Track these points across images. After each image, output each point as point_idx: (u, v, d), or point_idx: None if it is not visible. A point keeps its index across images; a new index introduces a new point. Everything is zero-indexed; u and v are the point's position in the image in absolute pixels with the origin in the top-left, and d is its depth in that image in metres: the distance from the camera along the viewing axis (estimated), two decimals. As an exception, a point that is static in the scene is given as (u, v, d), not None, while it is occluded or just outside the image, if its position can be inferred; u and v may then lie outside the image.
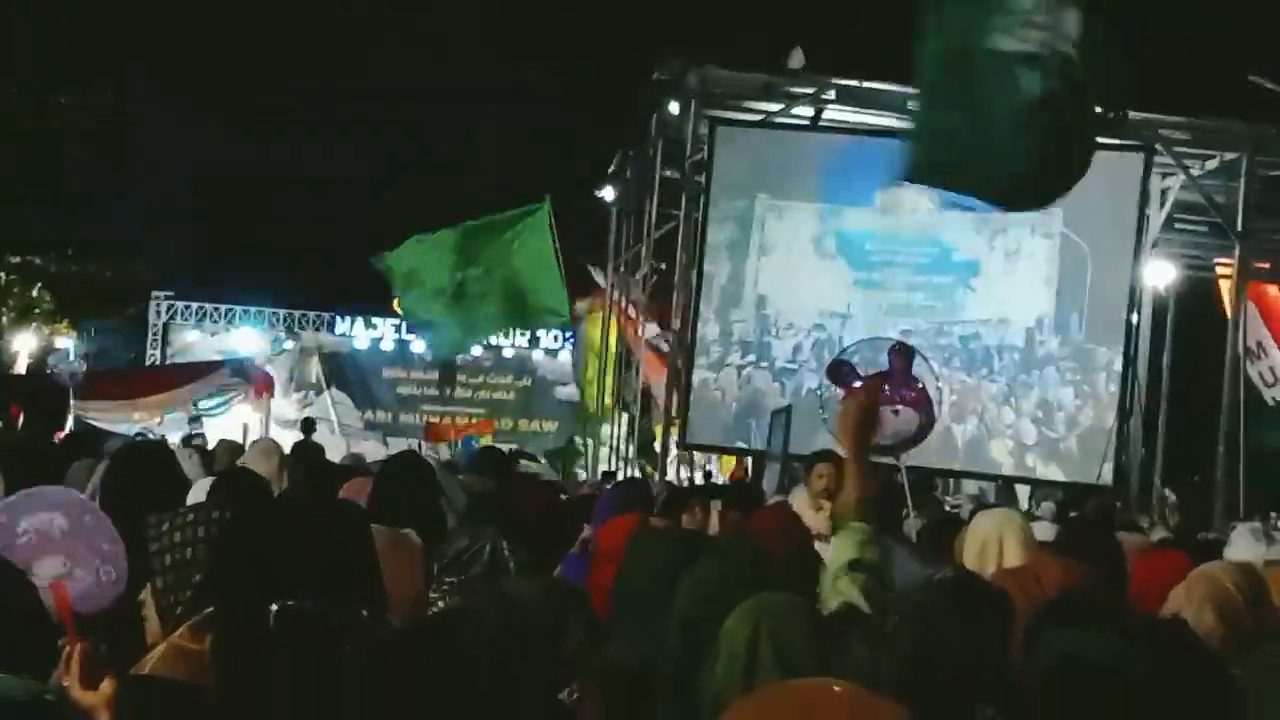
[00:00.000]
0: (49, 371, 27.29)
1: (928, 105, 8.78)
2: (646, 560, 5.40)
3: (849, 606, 4.87)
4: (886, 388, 10.61)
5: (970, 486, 22.05)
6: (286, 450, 11.97)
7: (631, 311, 25.17)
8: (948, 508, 15.38)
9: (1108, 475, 19.49)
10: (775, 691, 2.64)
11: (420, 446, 27.40)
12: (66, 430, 24.65)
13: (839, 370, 10.81)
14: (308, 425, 25.66)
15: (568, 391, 37.50)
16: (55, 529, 5.11)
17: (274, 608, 2.88)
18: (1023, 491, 21.32)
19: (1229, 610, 5.94)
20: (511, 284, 18.28)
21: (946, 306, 19.75)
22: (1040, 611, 4.90)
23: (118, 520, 5.58)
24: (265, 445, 10.59)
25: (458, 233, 18.39)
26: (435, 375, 39.71)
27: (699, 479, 22.50)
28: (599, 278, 26.47)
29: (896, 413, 10.52)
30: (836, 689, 2.52)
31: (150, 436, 20.69)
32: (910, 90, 20.74)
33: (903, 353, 10.84)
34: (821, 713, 2.39)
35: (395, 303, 20.70)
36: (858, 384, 10.65)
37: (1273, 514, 17.67)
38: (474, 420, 37.23)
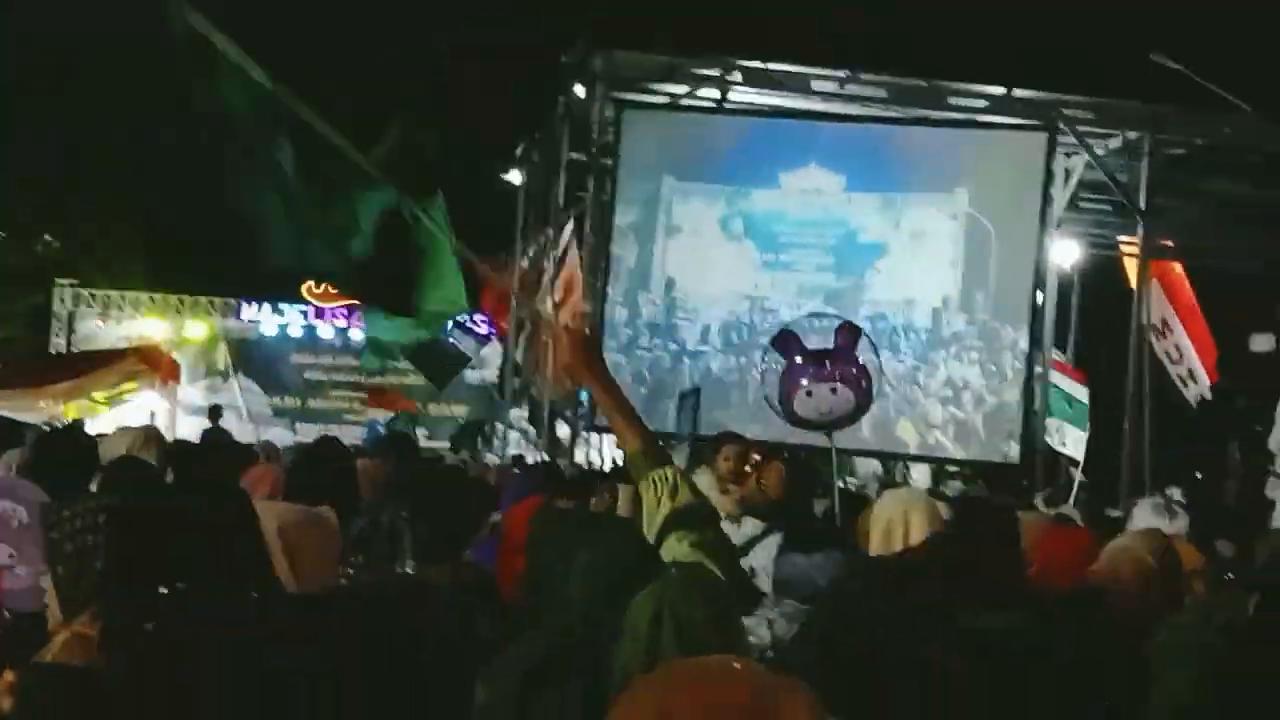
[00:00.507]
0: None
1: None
2: (548, 542, 5.39)
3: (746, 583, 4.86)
4: (828, 364, 10.61)
5: (872, 465, 22.16)
6: (195, 436, 11.93)
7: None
8: (851, 488, 15.47)
9: (1014, 454, 19.65)
10: (675, 668, 2.64)
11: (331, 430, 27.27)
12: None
13: (785, 341, 10.80)
14: (214, 412, 25.51)
15: (476, 375, 37.41)
16: (14, 520, 5.09)
17: (162, 591, 2.86)
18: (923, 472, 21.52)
19: (1144, 581, 6.03)
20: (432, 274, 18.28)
21: (853, 287, 19.85)
22: (940, 589, 4.93)
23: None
24: (150, 432, 10.49)
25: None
26: (344, 360, 39.55)
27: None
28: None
29: (834, 390, 10.51)
30: (737, 665, 2.52)
31: (58, 426, 20.47)
32: (817, 71, 21.00)
33: (850, 331, 10.84)
34: (721, 688, 2.40)
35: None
36: (799, 358, 10.65)
37: (1172, 488, 17.81)
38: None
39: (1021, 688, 3.62)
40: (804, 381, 10.58)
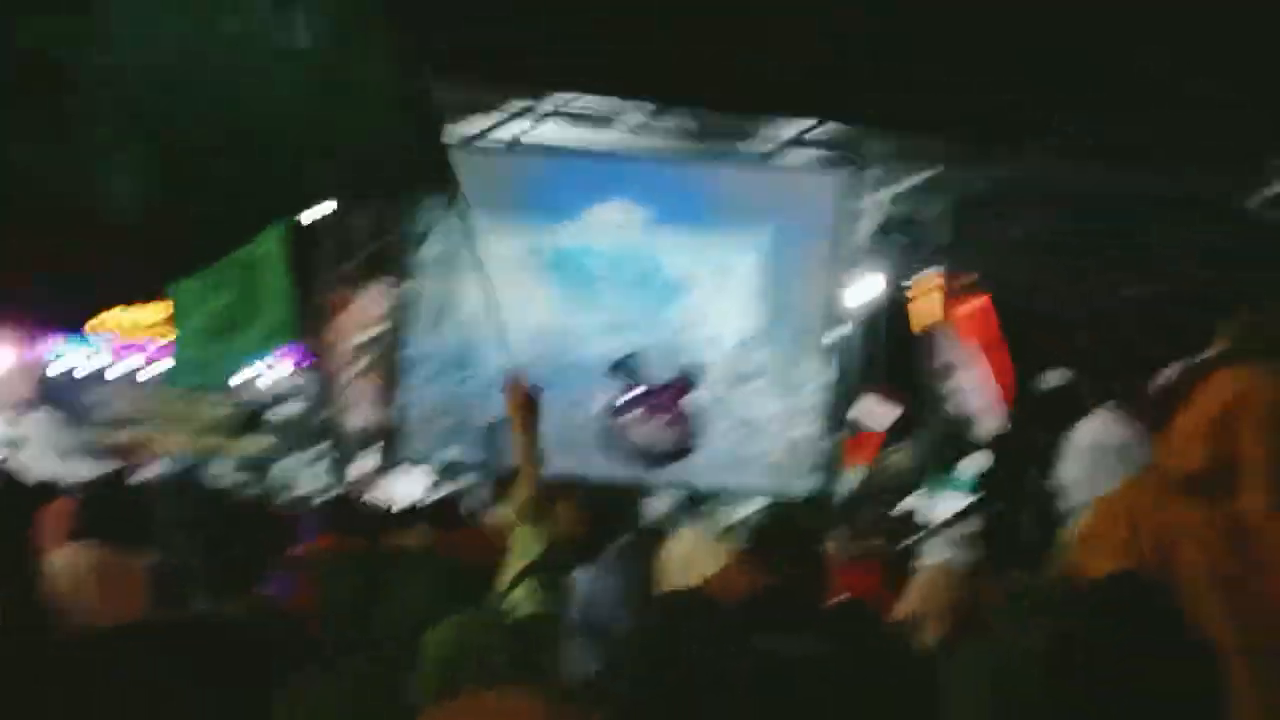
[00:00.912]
0: None
1: None
2: (344, 579, 5.37)
3: (540, 616, 4.89)
4: (656, 399, 10.69)
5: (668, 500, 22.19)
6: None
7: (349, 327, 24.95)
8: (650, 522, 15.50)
9: (814, 488, 19.77)
10: (469, 698, 2.65)
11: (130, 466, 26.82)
12: None
13: (616, 373, 10.83)
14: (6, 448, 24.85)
15: (279, 411, 37.00)
16: None
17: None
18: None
19: (947, 612, 6.15)
20: (250, 305, 18.21)
21: (659, 322, 19.86)
22: (733, 616, 4.98)
23: None
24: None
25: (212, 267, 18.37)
26: (146, 396, 38.96)
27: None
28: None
29: (665, 425, 10.58)
30: (529, 697, 2.54)
31: None
32: (620, 104, 21.04)
33: (683, 370, 10.89)
34: (512, 713, 2.40)
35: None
36: (629, 394, 10.71)
37: (965, 520, 18.13)
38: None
39: (817, 711, 3.65)
40: (632, 415, 10.66)
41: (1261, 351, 4.82)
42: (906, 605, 6.87)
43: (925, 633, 6.70)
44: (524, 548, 5.12)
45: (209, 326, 18.77)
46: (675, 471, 18.57)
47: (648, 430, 10.38)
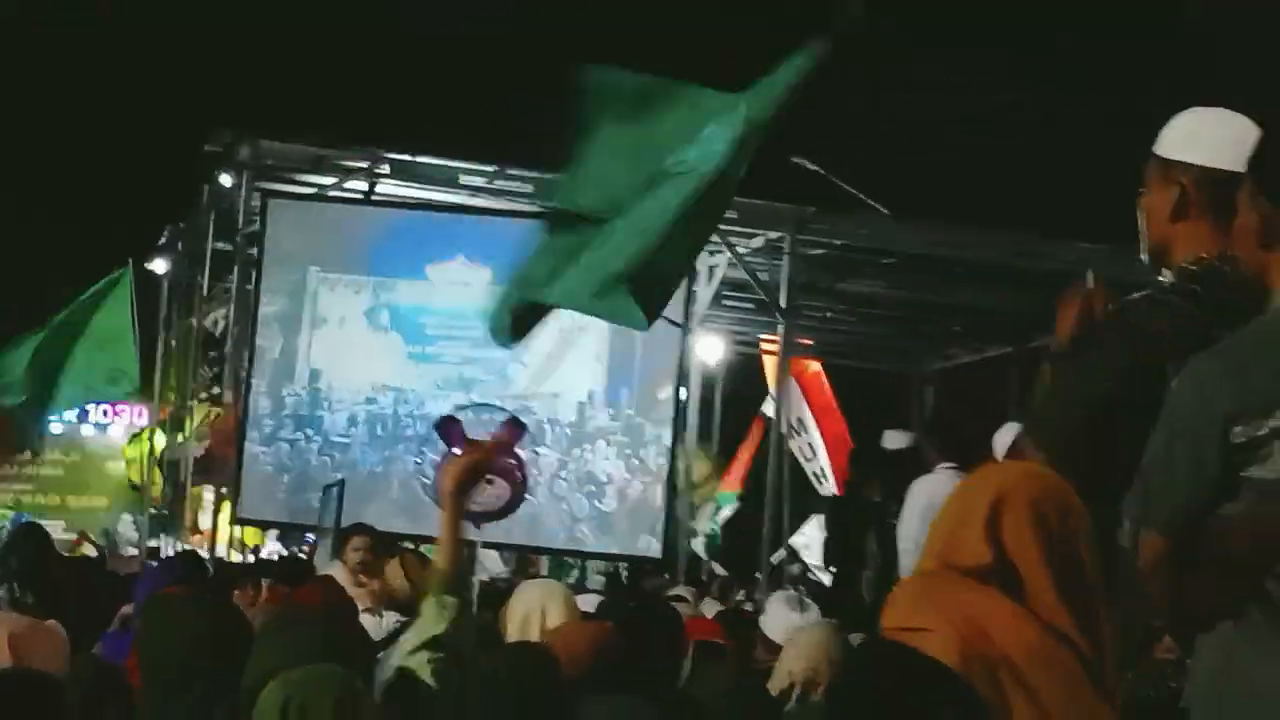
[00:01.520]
0: None
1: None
2: (168, 630, 5.31)
3: (407, 678, 4.89)
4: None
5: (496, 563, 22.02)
6: None
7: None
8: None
9: (655, 549, 19.82)
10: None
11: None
12: None
13: (449, 429, 10.78)
14: None
15: (118, 467, 36.64)
16: None
17: None
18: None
19: (822, 667, 6.30)
20: (85, 350, 18.13)
21: (499, 380, 19.84)
22: (581, 678, 5.00)
23: None
24: None
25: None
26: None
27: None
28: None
29: (491, 482, 10.54)
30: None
31: None
32: (465, 165, 21.08)
33: (514, 425, 10.87)
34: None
35: None
36: (457, 449, 10.67)
37: (800, 586, 18.31)
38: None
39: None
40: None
41: (1047, 440, 4.93)
42: (786, 663, 6.95)
43: (809, 691, 6.80)
44: (432, 618, 5.12)
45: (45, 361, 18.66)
46: (507, 530, 18.53)
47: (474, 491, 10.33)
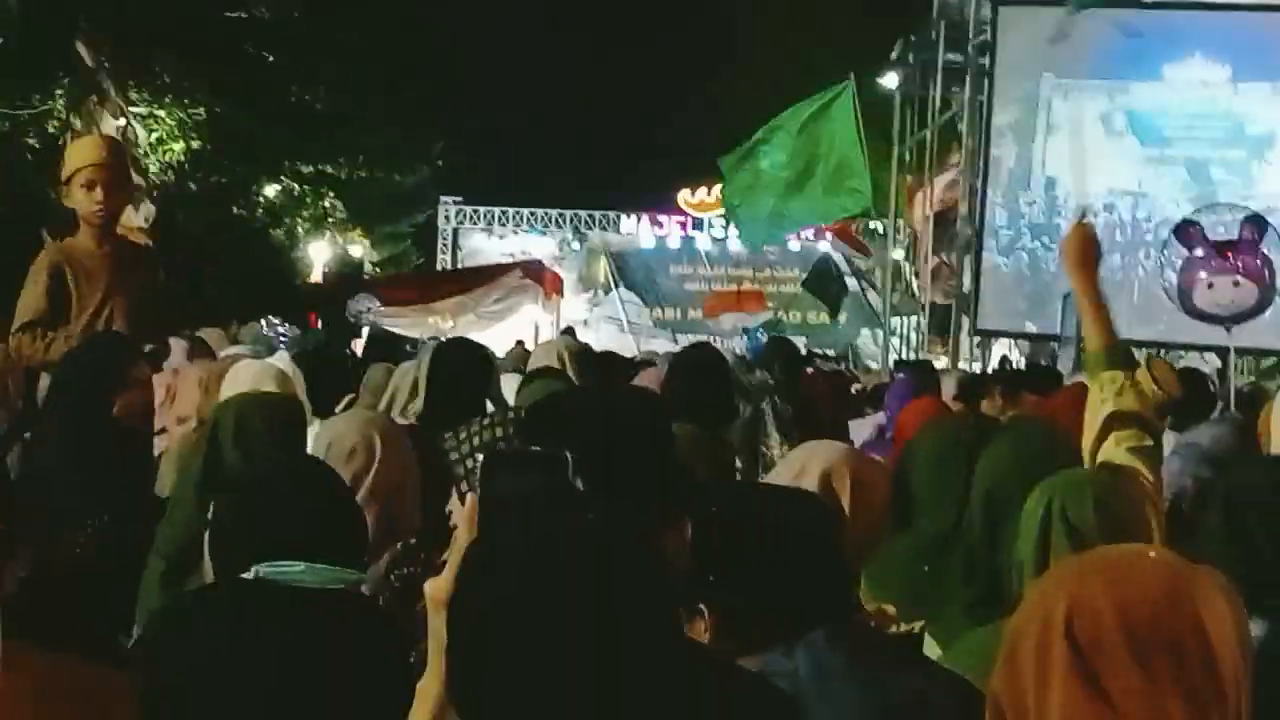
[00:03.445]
0: (347, 315, 27.80)
1: None
2: (943, 442, 5.35)
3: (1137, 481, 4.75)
4: (1230, 256, 10.40)
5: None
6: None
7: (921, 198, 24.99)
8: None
9: None
10: (1086, 560, 2.61)
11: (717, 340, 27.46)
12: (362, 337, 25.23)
13: (1186, 232, 10.58)
14: (568, 334, 25.10)
15: (854, 283, 37.31)
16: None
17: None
18: None
19: None
20: (819, 167, 18.50)
21: (1242, 181, 19.19)
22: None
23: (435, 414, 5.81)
24: (556, 344, 10.72)
25: (768, 129, 18.84)
26: (723, 270, 39.89)
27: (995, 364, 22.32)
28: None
29: (1237, 284, 10.30)
30: (1152, 554, 2.50)
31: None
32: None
33: (1255, 224, 10.57)
34: (1136, 579, 2.37)
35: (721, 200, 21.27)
36: (1200, 252, 10.45)
37: None
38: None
39: None
40: (1204, 274, 10.39)
41: None
42: None
43: None
44: (1096, 403, 4.97)
45: (773, 187, 19.15)
46: (1252, 333, 17.94)
47: (1215, 291, 10.04)
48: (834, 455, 4.60)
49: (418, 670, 2.59)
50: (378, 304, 26.23)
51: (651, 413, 3.74)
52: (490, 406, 6.69)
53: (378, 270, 42.07)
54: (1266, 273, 10.51)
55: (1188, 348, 18.17)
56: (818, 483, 4.38)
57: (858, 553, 4.39)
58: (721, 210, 36.96)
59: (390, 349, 16.24)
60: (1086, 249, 5.27)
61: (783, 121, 19.27)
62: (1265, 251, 10.56)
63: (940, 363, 19.80)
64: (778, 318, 37.15)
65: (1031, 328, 20.42)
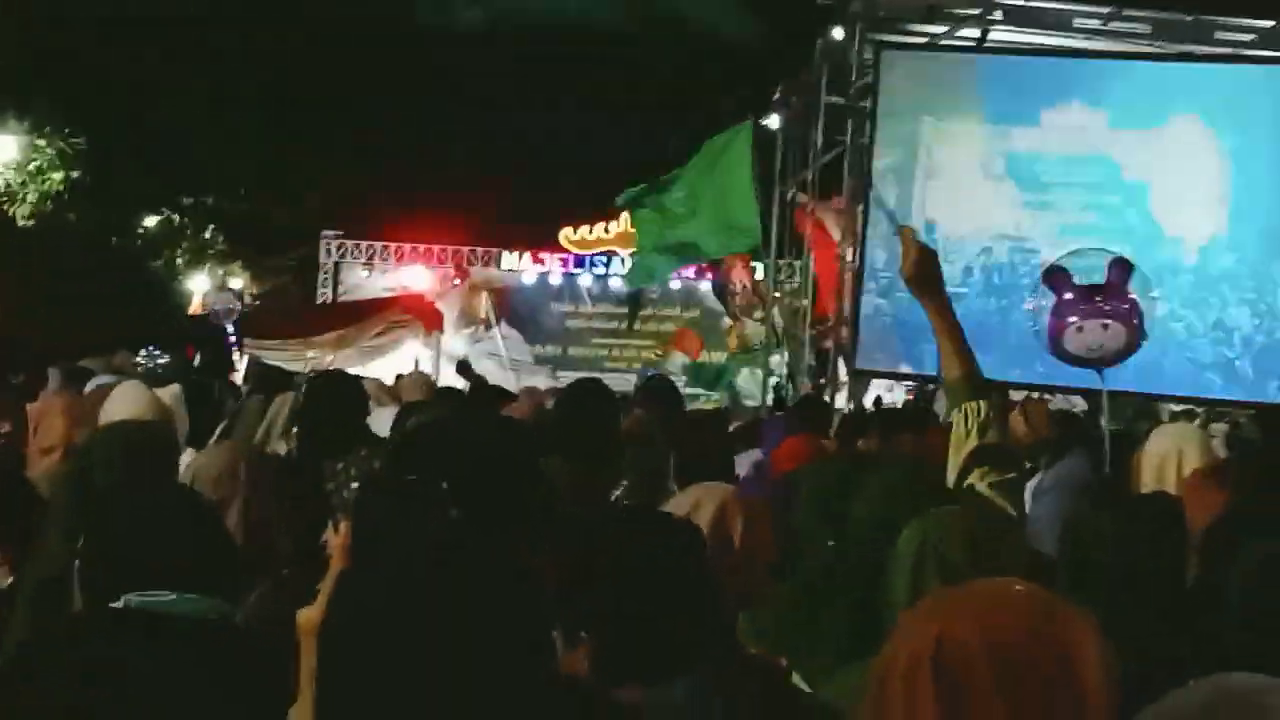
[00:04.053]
0: (206, 313, 27.71)
1: None
2: (821, 481, 5.39)
3: (1002, 515, 4.80)
4: (1098, 299, 10.52)
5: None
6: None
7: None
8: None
9: (1282, 395, 19.14)
10: (955, 593, 2.64)
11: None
12: (240, 370, 25.06)
13: (1053, 277, 10.71)
14: (463, 367, 25.05)
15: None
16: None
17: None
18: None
19: None
20: (708, 205, 18.60)
21: (1118, 227, 19.42)
22: (1229, 520, 4.86)
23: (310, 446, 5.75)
24: (418, 379, 10.76)
25: (674, 172, 19.01)
26: (605, 308, 40.02)
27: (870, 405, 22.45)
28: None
29: (1105, 326, 10.42)
30: (1019, 588, 2.52)
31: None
32: (1078, 8, 20.69)
33: (1121, 266, 10.71)
34: (1003, 613, 2.39)
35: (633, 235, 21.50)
36: (1069, 295, 10.58)
37: None
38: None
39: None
40: (1073, 318, 10.51)
41: None
42: None
43: None
44: (961, 435, 5.00)
45: (667, 225, 19.26)
46: (1127, 378, 18.14)
47: (1084, 335, 10.18)
48: (726, 495, 4.64)
49: (291, 700, 2.58)
50: (238, 306, 26.14)
51: (517, 443, 3.75)
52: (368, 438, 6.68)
53: (258, 303, 41.85)
54: (1133, 316, 10.65)
55: (1064, 390, 18.41)
56: (710, 520, 4.41)
57: (747, 591, 4.42)
58: (603, 248, 37.14)
59: (268, 381, 16.16)
60: (925, 267, 5.28)
61: (688, 165, 19.43)
62: (1132, 294, 10.71)
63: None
64: (658, 356, 37.30)
65: (908, 369, 20.60)
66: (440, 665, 2.21)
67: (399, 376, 17.19)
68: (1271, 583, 3.90)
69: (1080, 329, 10.49)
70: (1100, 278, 10.72)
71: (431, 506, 2.64)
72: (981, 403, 5.04)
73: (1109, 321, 10.49)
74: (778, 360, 25.81)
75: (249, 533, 4.60)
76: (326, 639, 2.35)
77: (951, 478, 4.99)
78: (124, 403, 6.86)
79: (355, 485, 4.50)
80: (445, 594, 2.28)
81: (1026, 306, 12.14)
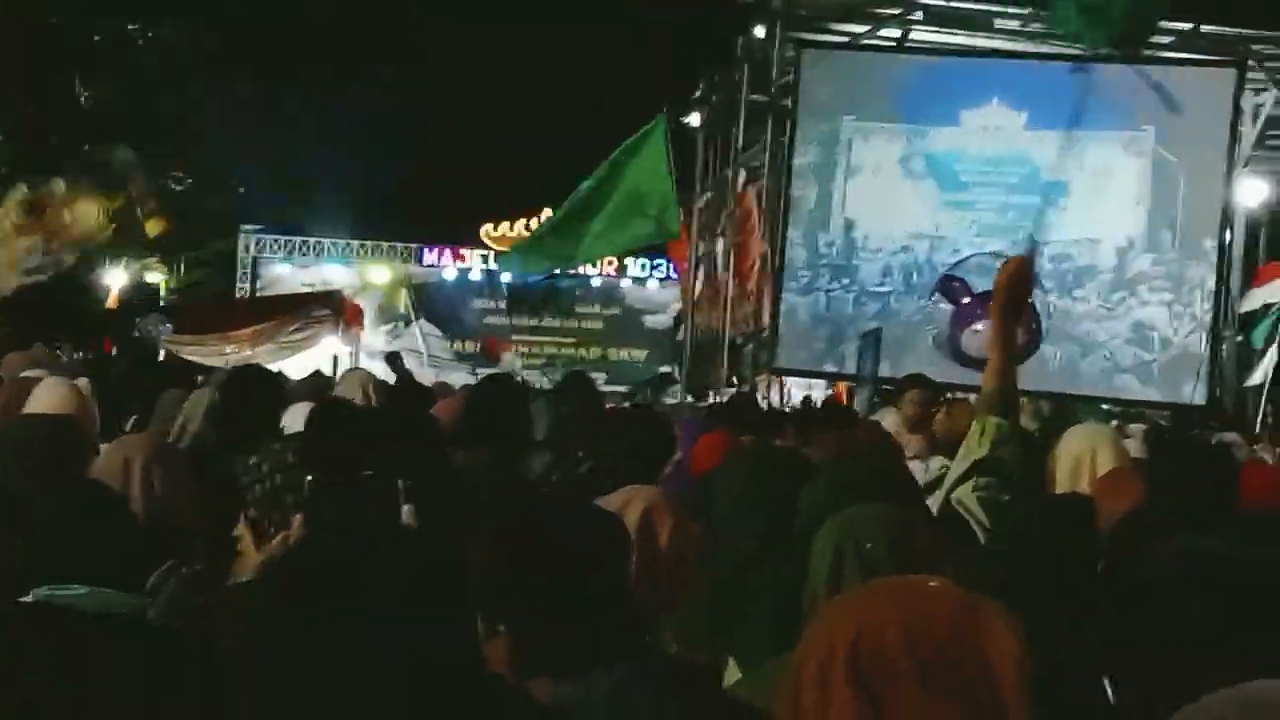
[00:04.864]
0: (136, 334, 27.48)
1: None
2: (741, 477, 5.38)
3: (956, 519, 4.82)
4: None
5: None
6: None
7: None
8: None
9: (1200, 396, 19.30)
10: (875, 587, 2.63)
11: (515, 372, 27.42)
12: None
13: (949, 286, 10.78)
14: (392, 358, 25.00)
15: (655, 320, 37.57)
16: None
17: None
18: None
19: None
20: (613, 200, 18.49)
21: (1036, 227, 19.54)
22: (1138, 518, 4.87)
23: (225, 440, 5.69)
24: (359, 375, 10.73)
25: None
26: (524, 305, 39.98)
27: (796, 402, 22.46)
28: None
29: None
30: (934, 584, 2.52)
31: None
32: (999, 9, 20.78)
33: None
34: (922, 606, 2.39)
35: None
36: (967, 300, 10.65)
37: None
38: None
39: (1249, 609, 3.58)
40: (971, 322, 10.60)
41: None
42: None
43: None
44: (975, 442, 5.04)
45: (565, 220, 19.17)
46: (1043, 377, 18.18)
47: (982, 337, 10.27)
48: (654, 496, 4.65)
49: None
50: (169, 327, 25.94)
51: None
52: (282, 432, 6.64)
53: (175, 297, 41.54)
54: (1033, 318, 10.72)
55: (976, 390, 18.49)
56: (638, 521, 4.41)
57: (672, 590, 4.42)
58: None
59: (185, 375, 16.04)
60: (1020, 292, 5.33)
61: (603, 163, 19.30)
62: (1029, 300, 10.80)
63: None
64: (578, 353, 37.40)
65: (829, 367, 20.62)
66: (374, 656, 2.20)
67: (315, 372, 17.11)
68: (1179, 582, 3.92)
69: (977, 331, 10.59)
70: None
71: (384, 501, 2.63)
72: (1003, 421, 5.09)
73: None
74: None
75: (159, 526, 4.58)
76: (262, 629, 2.34)
77: (951, 476, 5.04)
78: (49, 397, 6.84)
79: (273, 478, 4.46)
80: (381, 586, 2.27)
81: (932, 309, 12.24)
